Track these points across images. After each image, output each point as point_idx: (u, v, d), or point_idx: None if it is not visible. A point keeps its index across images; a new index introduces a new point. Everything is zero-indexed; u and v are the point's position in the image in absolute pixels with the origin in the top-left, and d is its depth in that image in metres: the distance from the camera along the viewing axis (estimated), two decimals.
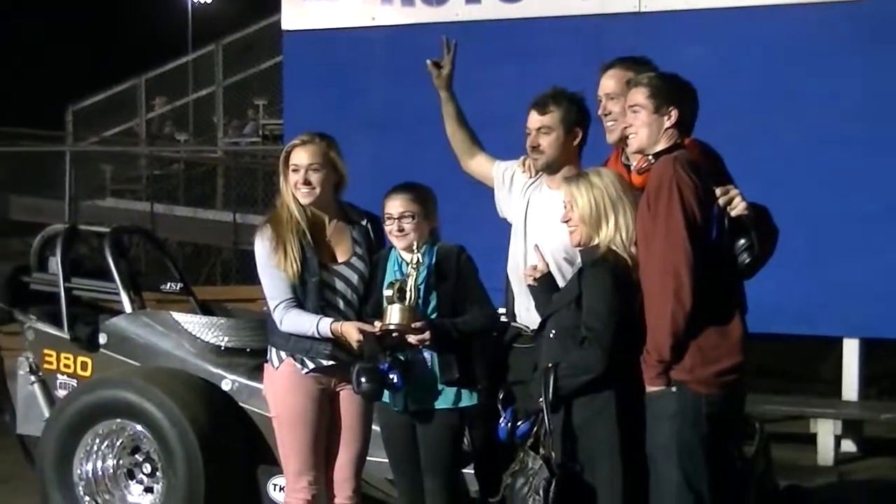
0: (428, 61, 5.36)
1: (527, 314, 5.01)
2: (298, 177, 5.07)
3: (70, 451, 6.12)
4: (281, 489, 5.66)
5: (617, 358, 4.41)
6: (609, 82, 4.95)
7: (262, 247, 5.10)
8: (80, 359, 6.43)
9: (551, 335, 4.61)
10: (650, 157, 4.54)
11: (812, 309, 8.07)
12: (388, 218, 4.99)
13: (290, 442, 5.15)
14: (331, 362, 5.07)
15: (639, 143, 4.56)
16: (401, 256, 5.03)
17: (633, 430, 4.42)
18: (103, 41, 30.01)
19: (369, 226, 5.23)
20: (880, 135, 7.89)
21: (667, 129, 4.51)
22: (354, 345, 4.95)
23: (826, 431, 8.43)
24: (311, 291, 5.05)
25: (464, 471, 5.15)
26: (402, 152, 8.57)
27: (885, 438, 8.76)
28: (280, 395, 5.17)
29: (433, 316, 4.91)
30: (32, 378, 6.51)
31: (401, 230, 4.96)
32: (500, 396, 4.79)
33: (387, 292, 4.91)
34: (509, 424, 4.63)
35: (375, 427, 5.21)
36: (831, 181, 7.95)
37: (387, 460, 5.19)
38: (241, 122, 19.34)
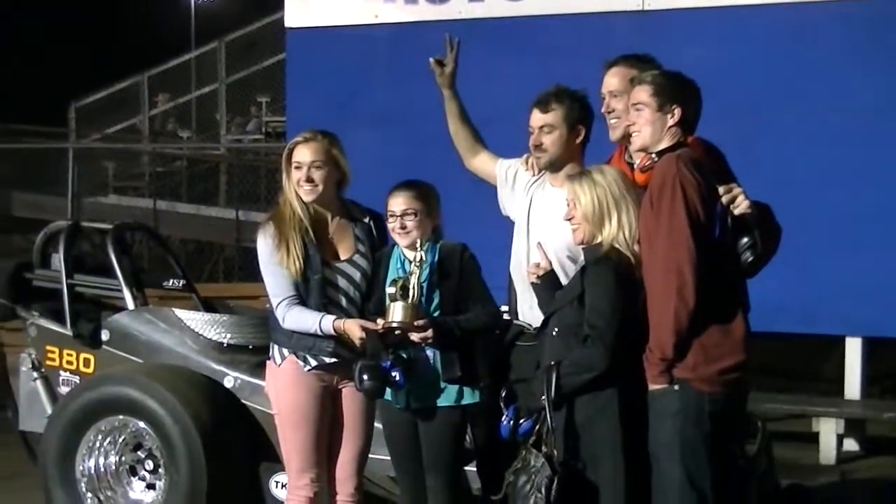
0: (431, 59, 5.36)
1: (529, 312, 5.01)
2: (301, 174, 5.07)
3: (72, 447, 6.12)
4: (283, 486, 5.66)
5: (620, 356, 4.40)
6: (612, 80, 4.94)
7: (265, 244, 5.11)
8: (82, 355, 6.43)
9: (554, 333, 4.61)
10: (653, 156, 4.53)
11: (814, 307, 8.07)
12: (391, 215, 4.99)
13: (292, 439, 5.15)
14: (333, 360, 5.07)
15: (642, 141, 4.56)
16: (403, 254, 5.03)
17: (635, 428, 4.42)
18: (105, 39, 30.00)
19: (372, 223, 5.23)
20: (883, 133, 7.89)
21: (670, 127, 4.51)
22: (357, 342, 4.95)
23: (828, 430, 8.43)
24: (313, 289, 5.05)
25: (466, 468, 5.15)
26: (404, 150, 8.58)
27: (888, 437, 8.76)
28: (282, 392, 5.17)
29: (436, 314, 4.91)
30: (35, 374, 6.52)
31: (403, 228, 4.96)
32: (503, 394, 4.79)
33: (389, 290, 4.91)
34: (512, 422, 4.64)
35: (378, 424, 5.21)
36: (834, 179, 7.95)
37: (389, 458, 5.19)
38: (244, 119, 19.32)
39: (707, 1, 8.31)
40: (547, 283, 4.81)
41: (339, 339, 5.01)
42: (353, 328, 4.94)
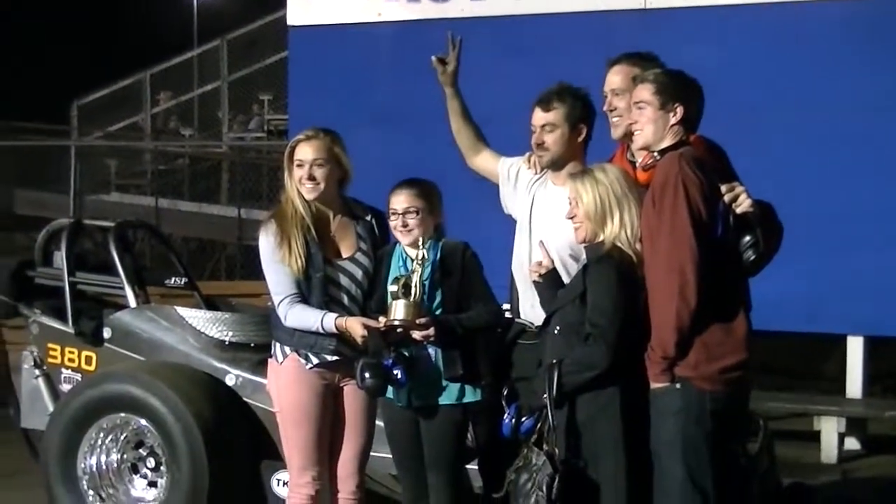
0: (433, 57, 5.36)
1: (531, 310, 5.01)
2: (303, 172, 5.07)
3: (74, 445, 6.13)
4: (284, 484, 5.66)
5: (621, 354, 4.40)
6: (615, 78, 4.94)
7: (267, 242, 5.11)
8: (84, 353, 6.43)
9: (556, 331, 4.61)
10: (655, 154, 4.53)
11: (816, 306, 8.07)
12: (393, 213, 4.99)
13: (293, 437, 5.15)
14: (335, 358, 5.07)
15: (644, 139, 4.56)
16: (405, 252, 5.03)
17: (637, 426, 4.42)
18: (107, 37, 29.99)
19: (374, 221, 5.23)
20: (885, 131, 7.89)
21: (672, 125, 4.51)
22: (359, 340, 4.95)
23: (830, 429, 8.43)
24: (315, 287, 5.05)
25: (468, 467, 5.15)
26: (407, 148, 8.58)
27: (889, 436, 8.76)
28: (284, 390, 5.17)
29: (437, 312, 4.91)
30: (37, 372, 6.52)
31: (405, 226, 4.96)
32: (504, 393, 4.78)
33: (391, 288, 4.91)
34: (513, 420, 4.63)
35: (379, 422, 5.21)
36: (836, 178, 7.96)
37: (390, 456, 5.19)
38: (246, 117, 19.33)
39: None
40: (549, 282, 4.81)
41: (341, 337, 5.01)
42: (355, 326, 4.94)
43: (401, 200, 4.98)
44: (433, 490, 4.96)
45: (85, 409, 6.13)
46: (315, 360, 5.08)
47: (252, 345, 6.13)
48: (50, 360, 6.51)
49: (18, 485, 7.18)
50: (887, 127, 7.88)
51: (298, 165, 5.09)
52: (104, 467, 6.16)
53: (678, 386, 4.35)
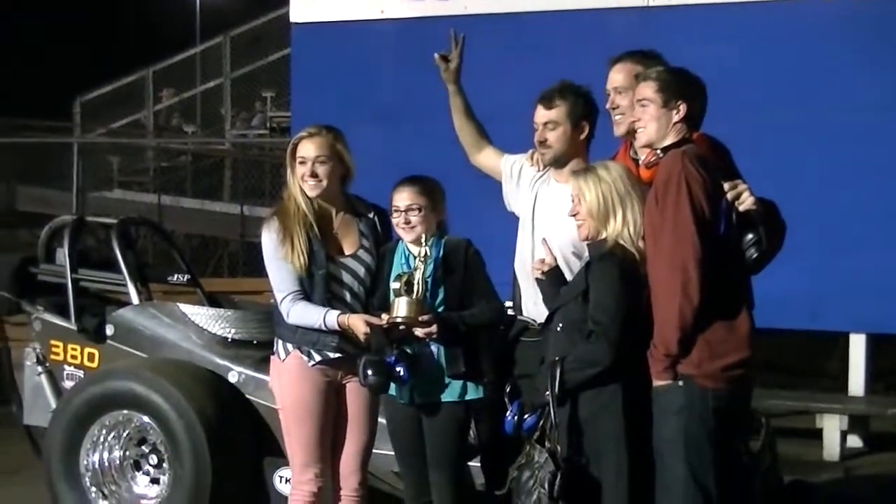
0: (436, 55, 5.36)
1: (534, 308, 5.01)
2: (305, 169, 5.08)
3: (77, 442, 6.13)
4: (287, 481, 5.66)
5: (624, 352, 4.41)
6: (617, 76, 4.94)
7: (269, 239, 5.11)
8: (87, 350, 6.44)
9: (558, 329, 4.61)
10: (658, 152, 4.53)
11: (819, 304, 8.07)
12: (396, 210, 4.99)
13: (296, 434, 5.15)
14: (337, 355, 5.07)
15: (647, 137, 4.56)
16: (408, 249, 5.03)
17: (639, 423, 4.42)
18: (110, 34, 29.99)
19: (376, 218, 5.23)
20: (887, 130, 7.88)
21: (675, 123, 4.51)
22: (361, 337, 4.95)
23: (832, 426, 8.43)
24: (317, 284, 5.05)
25: (470, 464, 5.16)
26: (409, 145, 8.57)
27: (892, 434, 8.76)
28: (286, 387, 5.17)
29: (440, 309, 4.91)
30: (39, 369, 6.53)
31: (408, 223, 4.96)
32: (507, 390, 4.79)
33: (394, 285, 4.91)
34: (516, 418, 4.64)
35: (382, 420, 5.21)
36: (838, 176, 7.95)
37: (393, 453, 5.19)
38: (249, 114, 19.32)
39: None
40: (551, 279, 4.81)
41: (344, 334, 5.01)
42: (358, 323, 4.94)
43: (403, 197, 4.98)
44: (435, 487, 4.96)
45: (87, 406, 6.13)
46: (317, 358, 5.08)
47: (255, 342, 6.14)
48: (53, 356, 6.51)
49: (21, 481, 7.19)
50: (889, 125, 7.87)
51: (301, 162, 5.09)
52: (107, 464, 6.16)
53: (681, 383, 4.35)
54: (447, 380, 4.91)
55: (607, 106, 4.97)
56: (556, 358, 4.50)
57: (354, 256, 5.14)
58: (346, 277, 5.10)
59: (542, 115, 5.01)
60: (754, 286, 4.57)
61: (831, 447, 8.41)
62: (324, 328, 5.00)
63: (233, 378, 6.07)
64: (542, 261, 4.87)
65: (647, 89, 4.53)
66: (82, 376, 6.40)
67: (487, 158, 5.40)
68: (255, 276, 11.14)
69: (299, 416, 5.13)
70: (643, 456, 4.43)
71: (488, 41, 7.85)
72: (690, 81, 4.57)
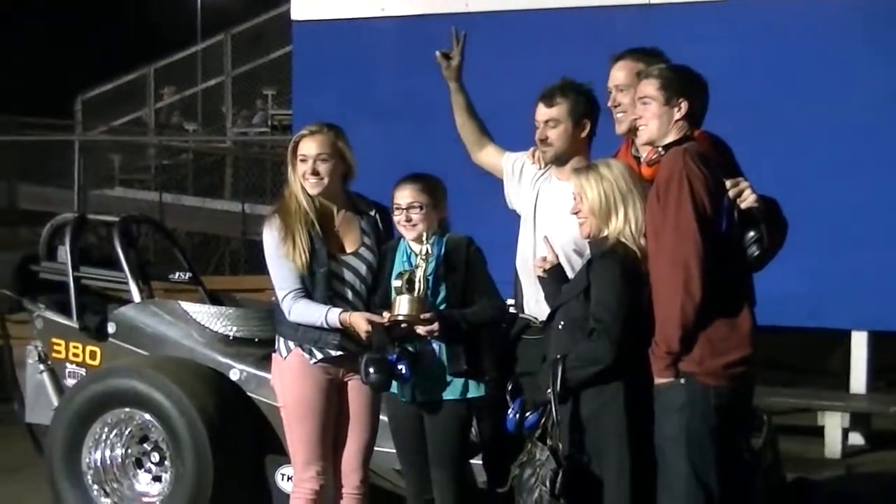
0: (437, 52, 5.36)
1: (535, 306, 5.01)
2: (307, 167, 5.07)
3: (79, 440, 6.13)
4: (289, 479, 5.67)
5: (625, 350, 4.41)
6: (619, 73, 4.94)
7: (271, 237, 5.11)
8: (88, 348, 6.44)
9: (560, 326, 4.61)
10: (660, 149, 4.53)
11: (820, 301, 8.06)
12: (397, 208, 4.99)
13: (297, 432, 5.16)
14: (339, 352, 5.07)
15: (649, 134, 4.56)
16: (409, 247, 5.03)
17: (641, 421, 4.42)
18: (111, 32, 29.96)
19: (378, 216, 5.23)
20: (888, 127, 7.88)
21: (677, 120, 4.51)
22: (363, 335, 4.95)
23: (834, 424, 8.43)
24: (319, 282, 5.05)
25: (472, 461, 5.16)
26: (411, 143, 8.57)
27: (894, 431, 8.76)
28: (288, 384, 5.17)
29: (442, 307, 4.91)
30: (41, 367, 6.53)
31: (409, 220, 4.96)
32: (509, 388, 4.79)
33: (395, 283, 4.91)
34: (517, 415, 4.64)
35: (383, 417, 5.21)
36: (839, 173, 7.95)
37: (394, 451, 5.19)
38: (250, 112, 19.33)
39: None
40: (553, 277, 4.81)
41: (345, 332, 5.01)
42: (359, 321, 4.94)
43: (405, 195, 4.98)
44: (437, 485, 4.96)
45: (89, 404, 6.13)
46: (319, 355, 5.08)
47: (256, 340, 6.14)
48: (54, 354, 6.52)
49: (23, 479, 7.20)
50: (890, 123, 7.87)
51: (302, 160, 5.09)
52: (108, 462, 6.17)
53: (682, 381, 4.35)
54: (449, 378, 4.91)
55: (609, 104, 4.97)
56: (558, 356, 4.50)
57: (356, 254, 5.14)
58: (348, 275, 5.10)
59: (542, 112, 5.01)
60: (756, 284, 4.57)
61: (833, 445, 8.40)
62: (325, 326, 5.01)
63: (234, 376, 6.08)
64: (544, 258, 4.86)
65: (649, 87, 4.53)
66: (84, 374, 6.41)
67: (489, 156, 5.40)
68: (256, 273, 11.15)
69: (301, 413, 5.13)
70: (645, 454, 4.43)
71: (489, 39, 7.85)
72: (692, 79, 4.57)
